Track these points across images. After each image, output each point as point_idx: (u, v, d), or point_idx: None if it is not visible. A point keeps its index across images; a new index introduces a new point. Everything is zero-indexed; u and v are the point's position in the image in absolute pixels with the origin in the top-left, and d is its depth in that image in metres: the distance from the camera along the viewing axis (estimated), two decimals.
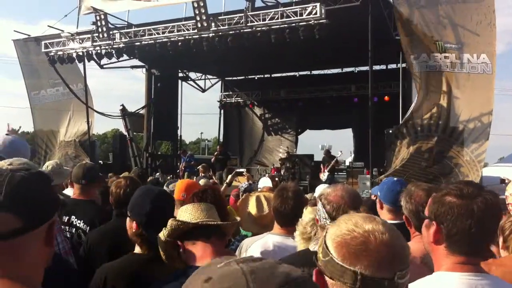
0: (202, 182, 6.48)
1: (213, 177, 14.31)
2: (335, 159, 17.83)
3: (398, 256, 1.15)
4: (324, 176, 17.49)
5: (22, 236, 1.29)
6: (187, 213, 2.35)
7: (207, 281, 0.84)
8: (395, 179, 3.90)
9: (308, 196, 5.02)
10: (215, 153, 20.62)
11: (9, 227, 1.28)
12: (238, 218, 2.72)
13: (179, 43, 16.42)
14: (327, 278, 1.20)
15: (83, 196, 4.30)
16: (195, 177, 11.44)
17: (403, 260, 1.16)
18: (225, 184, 8.32)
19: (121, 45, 17.69)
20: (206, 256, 2.24)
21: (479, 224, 1.67)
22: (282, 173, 19.05)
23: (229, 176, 8.96)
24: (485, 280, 1.68)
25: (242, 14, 15.21)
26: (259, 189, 7.05)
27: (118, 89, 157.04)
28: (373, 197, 5.99)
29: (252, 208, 3.89)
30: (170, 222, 2.30)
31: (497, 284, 1.72)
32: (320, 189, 4.75)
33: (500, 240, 2.55)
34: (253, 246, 3.33)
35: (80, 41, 18.43)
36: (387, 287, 1.12)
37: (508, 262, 2.27)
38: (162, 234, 2.30)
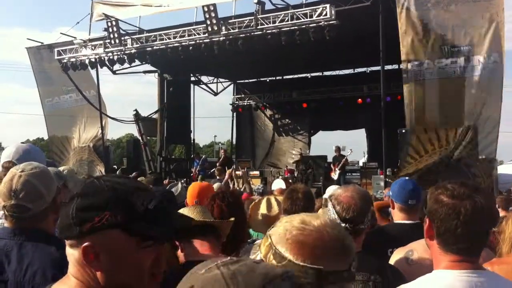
0: (215, 186, 6.48)
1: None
2: (345, 158, 17.79)
3: (349, 247, 1.18)
4: (335, 175, 17.42)
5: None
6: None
7: None
8: (406, 178, 3.87)
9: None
10: (221, 159, 20.43)
11: None
12: (232, 219, 2.76)
13: (190, 48, 16.50)
14: None
15: None
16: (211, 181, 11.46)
17: (353, 251, 1.19)
18: (245, 186, 8.64)
19: (133, 51, 17.84)
20: (204, 251, 2.43)
21: (465, 225, 1.69)
22: (295, 175, 19.01)
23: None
24: (483, 278, 1.68)
25: (252, 17, 15.26)
26: (273, 191, 7.09)
27: (132, 94, 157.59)
28: (385, 199, 5.96)
29: (262, 210, 3.90)
30: None
31: (495, 280, 1.73)
32: (331, 190, 4.73)
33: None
34: None
35: (93, 48, 18.62)
36: (346, 278, 1.14)
37: None
38: None
